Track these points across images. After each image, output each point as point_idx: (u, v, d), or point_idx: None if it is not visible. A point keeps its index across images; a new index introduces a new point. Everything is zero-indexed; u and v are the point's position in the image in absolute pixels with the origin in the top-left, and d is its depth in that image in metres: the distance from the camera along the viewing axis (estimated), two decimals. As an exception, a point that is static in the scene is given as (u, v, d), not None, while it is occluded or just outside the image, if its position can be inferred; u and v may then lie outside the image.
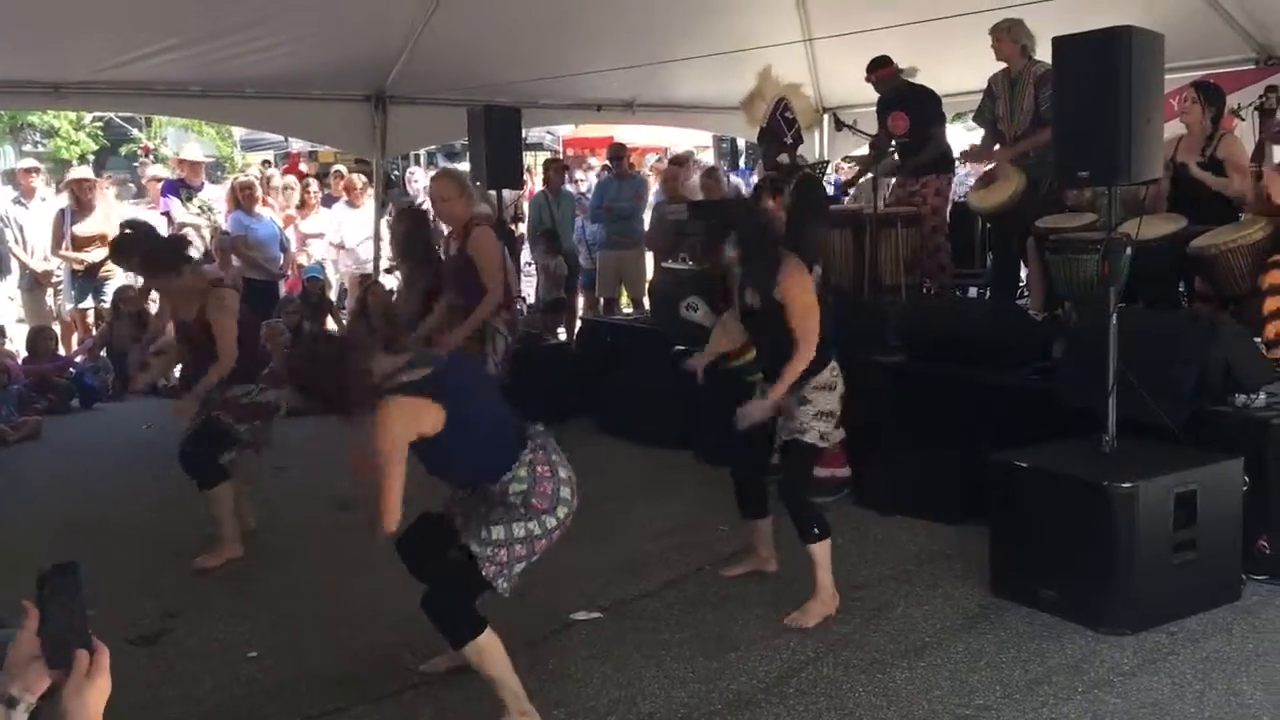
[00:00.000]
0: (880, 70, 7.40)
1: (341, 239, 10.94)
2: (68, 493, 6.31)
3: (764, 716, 3.49)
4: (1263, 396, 4.56)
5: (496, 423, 3.39)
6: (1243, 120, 6.67)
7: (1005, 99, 6.84)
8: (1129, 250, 4.40)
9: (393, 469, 3.10)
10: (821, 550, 4.20)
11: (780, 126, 6.35)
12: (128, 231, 5.64)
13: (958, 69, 8.18)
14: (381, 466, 3.09)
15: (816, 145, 10.52)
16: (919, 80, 7.52)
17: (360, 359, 3.22)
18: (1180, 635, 3.94)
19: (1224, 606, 4.14)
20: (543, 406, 7.31)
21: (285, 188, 12.06)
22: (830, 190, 8.49)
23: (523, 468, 3.34)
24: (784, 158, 6.35)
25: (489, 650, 3.34)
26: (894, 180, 7.76)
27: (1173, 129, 5.79)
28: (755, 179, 10.46)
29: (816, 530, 4.19)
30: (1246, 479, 4.23)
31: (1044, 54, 5.68)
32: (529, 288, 10.65)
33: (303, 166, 17.14)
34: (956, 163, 7.93)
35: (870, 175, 7.41)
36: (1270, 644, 3.85)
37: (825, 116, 9.94)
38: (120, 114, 18.76)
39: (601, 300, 10.57)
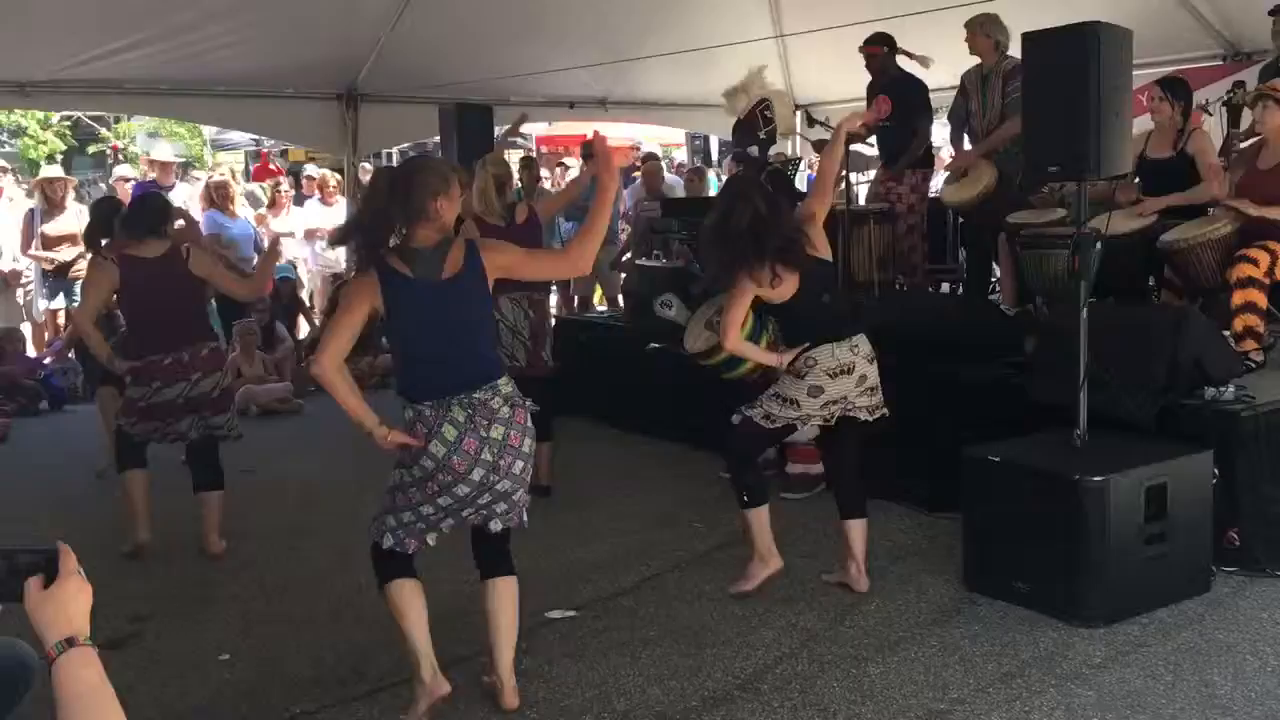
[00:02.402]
0: (872, 46, 7.35)
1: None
2: (35, 495, 6.24)
3: (739, 713, 3.49)
4: (1231, 389, 4.59)
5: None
6: (1210, 115, 6.71)
7: (978, 95, 6.86)
8: (1099, 245, 4.42)
9: None
10: (754, 516, 4.30)
11: (756, 121, 6.33)
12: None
13: (932, 66, 8.20)
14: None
15: (790, 144, 10.51)
16: (919, 72, 7.48)
17: None
18: (1151, 627, 3.97)
19: (1195, 598, 4.17)
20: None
21: (249, 194, 11.97)
22: (803, 187, 8.48)
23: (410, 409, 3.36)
24: (754, 150, 6.33)
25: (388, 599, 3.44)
26: (874, 174, 7.74)
27: (1142, 124, 5.83)
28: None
29: (746, 498, 4.30)
30: (1216, 471, 4.27)
31: (1015, 50, 5.70)
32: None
33: (273, 165, 17.02)
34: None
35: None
36: (1240, 635, 3.88)
37: (798, 118, 9.89)
38: (88, 113, 18.58)
39: (576, 298, 10.55)
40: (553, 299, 10.52)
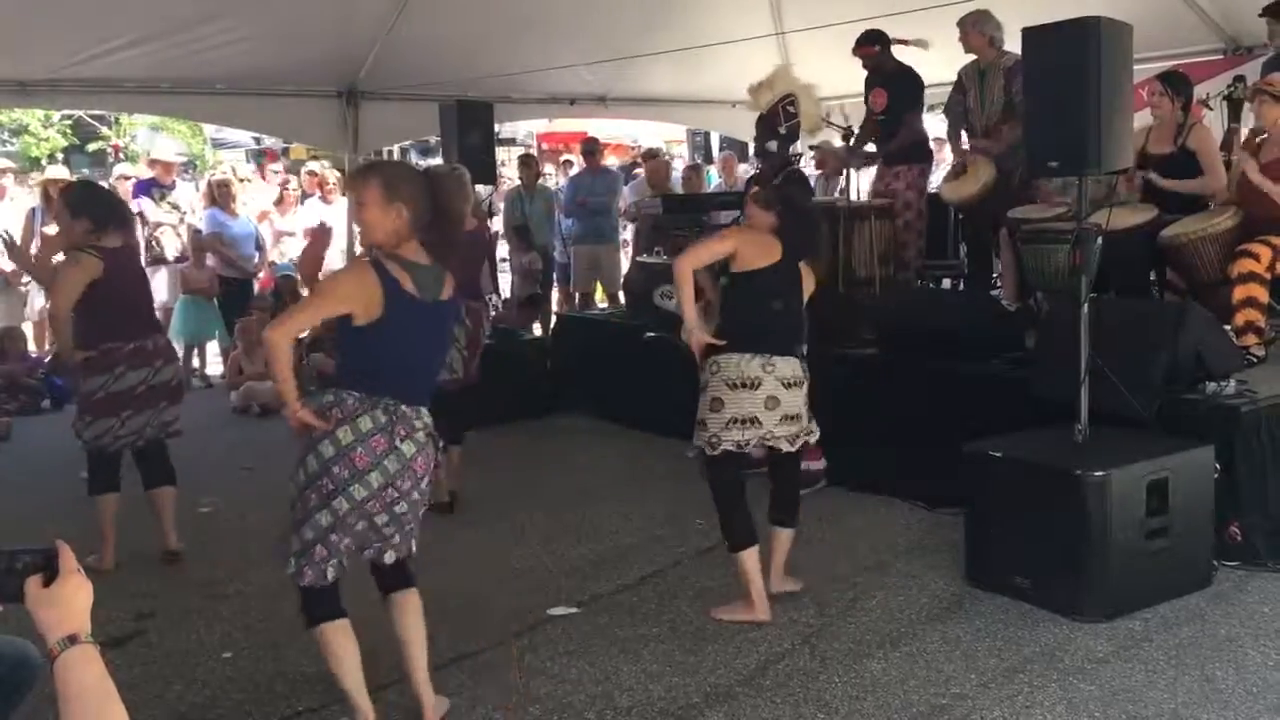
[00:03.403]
0: (865, 47, 7.35)
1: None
2: (37, 493, 6.25)
3: (742, 709, 3.49)
4: (1232, 384, 4.60)
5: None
6: (1211, 110, 6.70)
7: (975, 90, 6.85)
8: (1099, 240, 4.42)
9: None
10: (740, 560, 4.13)
11: (778, 116, 6.32)
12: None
13: (931, 60, 8.18)
14: None
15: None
16: (918, 63, 7.47)
17: None
18: (1153, 622, 3.97)
19: (1196, 593, 4.18)
20: (518, 402, 7.41)
21: (242, 179, 11.93)
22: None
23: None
24: (772, 145, 6.31)
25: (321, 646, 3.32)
26: (875, 170, 7.74)
27: (1143, 119, 5.82)
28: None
29: (728, 543, 4.16)
30: (1217, 466, 4.28)
31: (1014, 45, 5.69)
32: (504, 283, 10.61)
33: (272, 166, 17.00)
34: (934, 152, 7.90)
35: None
36: (1242, 629, 3.89)
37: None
38: (89, 112, 18.59)
39: (577, 295, 10.55)
40: (554, 295, 10.58)
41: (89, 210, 4.97)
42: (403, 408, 3.24)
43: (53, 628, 1.58)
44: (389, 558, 3.37)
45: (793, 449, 4.21)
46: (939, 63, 7.30)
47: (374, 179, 3.25)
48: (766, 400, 4.05)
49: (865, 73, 7.46)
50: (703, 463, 4.21)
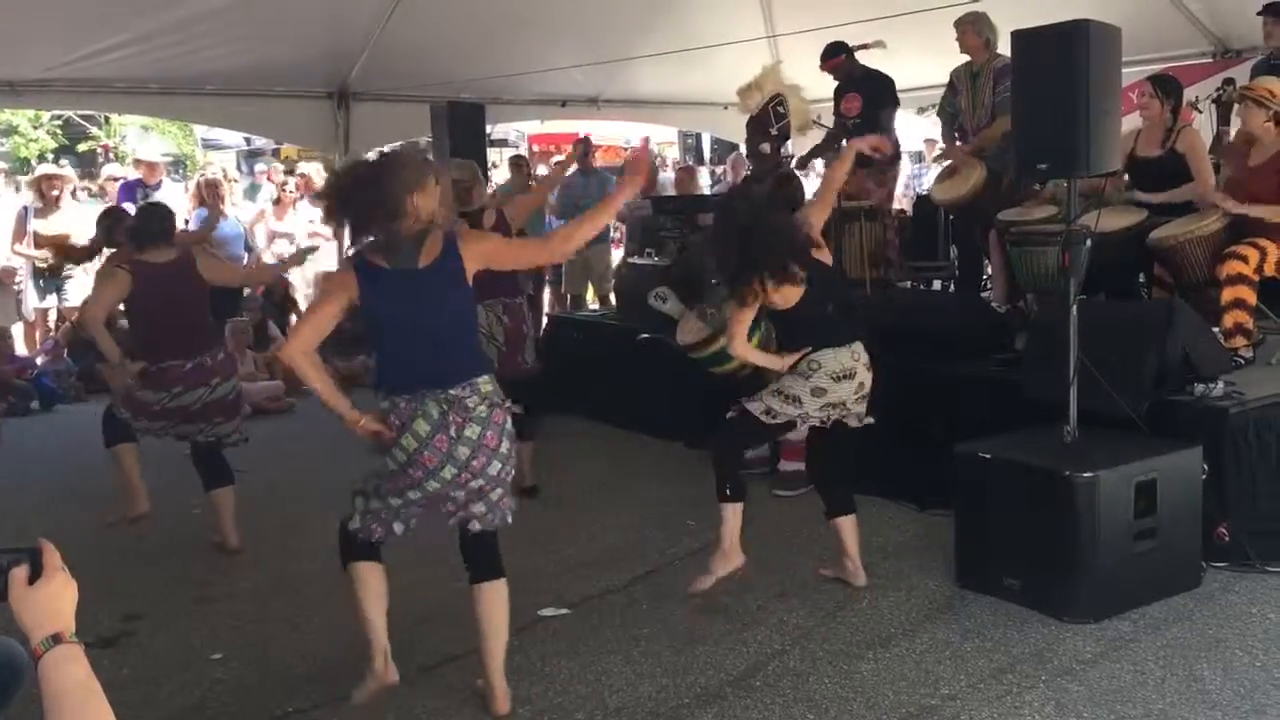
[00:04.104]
0: (832, 60, 7.42)
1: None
2: (26, 495, 6.23)
3: (732, 710, 3.49)
4: (1221, 385, 4.62)
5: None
6: (1200, 113, 6.74)
7: (967, 92, 6.88)
8: (1088, 242, 4.43)
9: None
10: (730, 510, 4.25)
11: (768, 118, 6.35)
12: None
13: (921, 62, 8.22)
14: None
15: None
16: (876, 65, 7.53)
17: None
18: (1142, 623, 3.98)
19: (1184, 593, 4.19)
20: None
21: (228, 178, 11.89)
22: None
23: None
24: (765, 147, 6.33)
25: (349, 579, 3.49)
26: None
27: (1131, 121, 5.84)
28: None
29: (728, 491, 4.26)
30: (1205, 467, 4.29)
31: (1005, 48, 5.72)
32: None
33: (259, 166, 16.94)
34: (905, 155, 7.98)
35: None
36: (1230, 630, 3.90)
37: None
38: (79, 112, 18.54)
39: (569, 296, 10.55)
40: (545, 297, 10.57)
41: (134, 230, 5.11)
42: (450, 392, 3.27)
43: (37, 627, 1.58)
44: (474, 526, 3.46)
45: (858, 426, 4.34)
46: (928, 67, 7.33)
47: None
48: (858, 386, 4.24)
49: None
50: (740, 419, 4.26)
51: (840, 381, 4.19)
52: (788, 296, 4.16)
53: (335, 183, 3.45)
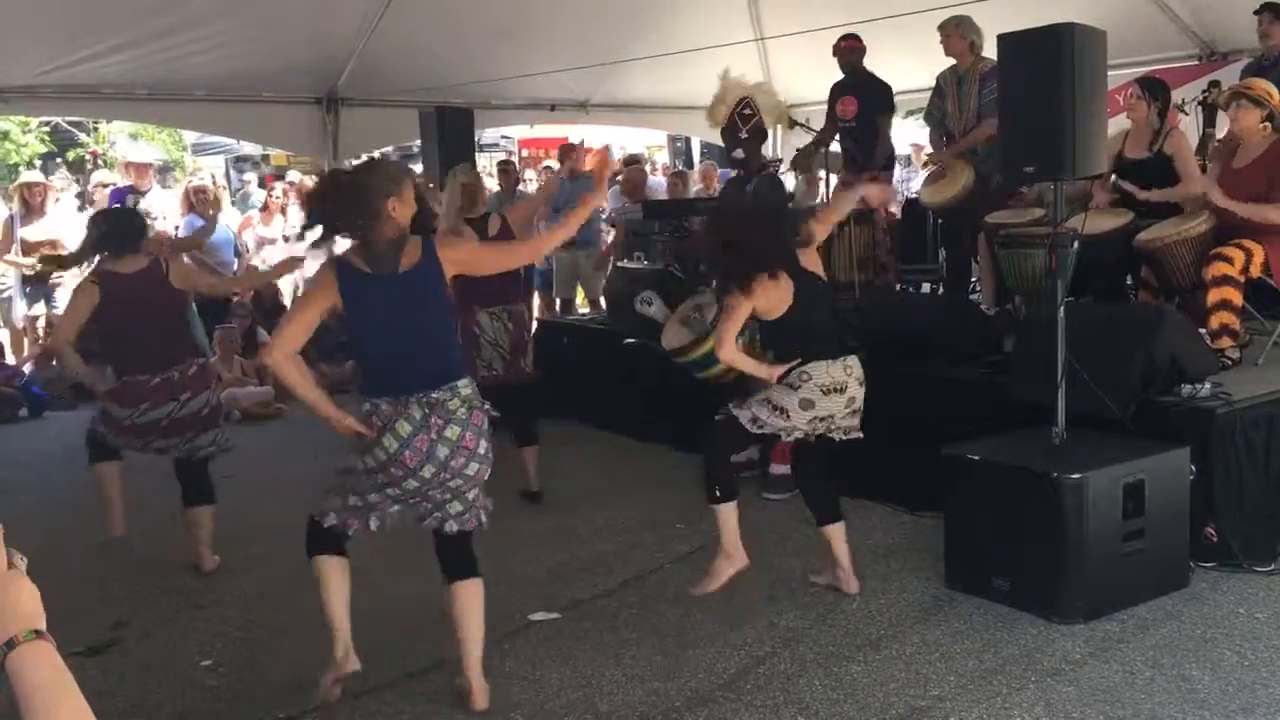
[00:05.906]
0: (849, 40, 7.44)
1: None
2: (14, 503, 6.19)
3: (722, 713, 3.50)
4: (1207, 386, 4.63)
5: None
6: (1186, 115, 6.78)
7: (953, 96, 6.90)
8: (1075, 245, 4.45)
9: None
10: (723, 512, 4.26)
11: (736, 124, 6.36)
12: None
13: (909, 66, 8.24)
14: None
15: (769, 145, 10.53)
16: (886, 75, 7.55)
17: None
18: (1130, 623, 4.00)
19: (1173, 594, 4.20)
20: (498, 408, 7.39)
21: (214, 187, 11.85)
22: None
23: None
24: (739, 153, 6.34)
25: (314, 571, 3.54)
26: (838, 176, 7.79)
27: (1118, 124, 5.87)
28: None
29: (717, 493, 4.26)
30: (1193, 468, 4.31)
31: (991, 51, 5.74)
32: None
33: (249, 174, 16.92)
34: (899, 162, 8.02)
35: (811, 171, 7.46)
36: (1218, 630, 3.92)
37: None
38: (68, 118, 18.50)
39: (558, 300, 10.55)
40: (535, 301, 10.56)
41: (100, 237, 4.91)
42: (432, 395, 3.33)
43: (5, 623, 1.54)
44: (451, 527, 3.48)
45: (844, 438, 4.32)
46: (916, 70, 7.36)
47: None
48: (848, 400, 4.23)
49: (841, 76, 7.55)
50: (726, 423, 4.26)
51: (830, 395, 4.17)
52: (775, 304, 4.17)
53: (317, 188, 3.53)
